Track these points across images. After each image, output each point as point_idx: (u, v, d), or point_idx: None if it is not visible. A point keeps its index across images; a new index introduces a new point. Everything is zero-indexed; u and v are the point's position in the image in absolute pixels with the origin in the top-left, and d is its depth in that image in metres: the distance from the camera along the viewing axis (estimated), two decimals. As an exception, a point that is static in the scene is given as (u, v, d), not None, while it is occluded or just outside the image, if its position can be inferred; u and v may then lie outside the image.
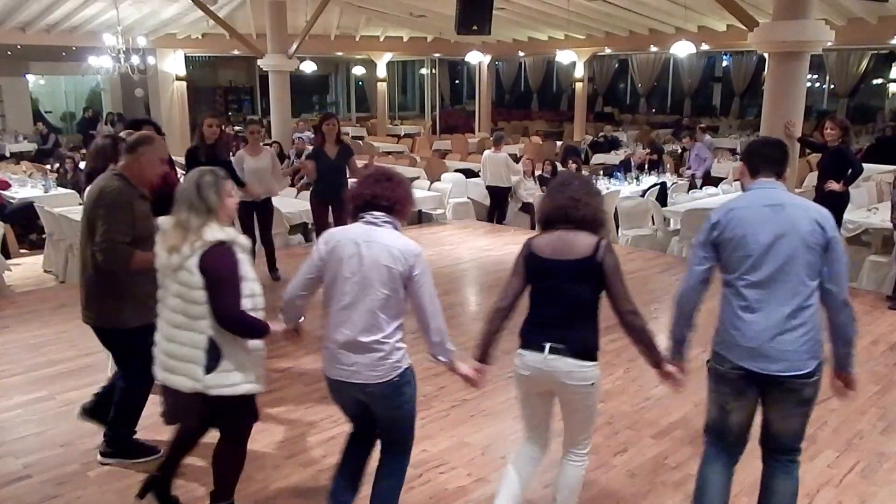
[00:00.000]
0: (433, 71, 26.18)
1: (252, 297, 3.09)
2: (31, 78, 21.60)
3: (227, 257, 3.00)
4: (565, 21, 15.55)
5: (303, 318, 3.28)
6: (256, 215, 7.41)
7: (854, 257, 7.79)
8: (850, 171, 7.49)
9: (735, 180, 12.43)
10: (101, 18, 15.93)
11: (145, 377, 3.93)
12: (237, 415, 3.22)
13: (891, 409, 4.72)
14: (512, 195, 11.13)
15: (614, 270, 2.98)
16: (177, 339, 3.08)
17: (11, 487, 3.81)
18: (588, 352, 3.05)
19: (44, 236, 9.21)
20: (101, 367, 5.28)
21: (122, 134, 4.82)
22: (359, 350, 2.98)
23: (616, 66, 25.99)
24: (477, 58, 18.43)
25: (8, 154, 17.76)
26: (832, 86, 21.60)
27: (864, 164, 8.97)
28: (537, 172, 11.25)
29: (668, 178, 11.69)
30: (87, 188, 3.89)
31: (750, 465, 4.02)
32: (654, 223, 9.96)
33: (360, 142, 19.29)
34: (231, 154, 8.03)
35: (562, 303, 3.03)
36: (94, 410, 4.16)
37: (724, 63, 24.53)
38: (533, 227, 10.79)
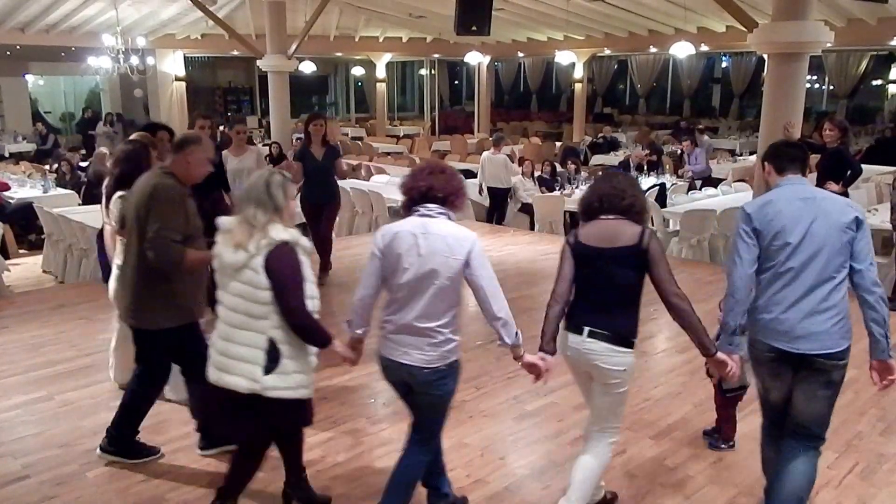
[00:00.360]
0: (432, 71, 26.20)
1: (312, 298, 3.10)
2: (30, 78, 21.61)
3: (291, 257, 3.02)
4: (564, 22, 15.56)
5: (367, 330, 3.28)
6: None
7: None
8: (849, 172, 7.49)
9: (735, 181, 12.46)
10: (101, 19, 15.92)
11: (159, 382, 4.00)
12: (290, 419, 3.22)
13: (890, 411, 4.72)
14: (511, 196, 11.14)
15: (660, 256, 3.12)
16: (235, 338, 3.06)
17: (10, 488, 3.81)
18: (624, 338, 3.17)
19: (43, 237, 9.20)
20: (100, 368, 5.28)
21: (134, 136, 4.74)
22: (414, 334, 3.08)
23: (615, 66, 25.98)
24: (476, 58, 18.43)
25: (7, 154, 17.77)
26: (831, 87, 21.61)
27: (864, 166, 8.98)
28: (536, 173, 11.26)
29: (668, 179, 11.68)
30: (135, 186, 3.77)
31: (749, 466, 4.03)
32: (653, 224, 9.95)
33: (359, 142, 19.31)
34: None
35: (605, 289, 3.17)
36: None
37: (724, 64, 24.53)
38: (532, 228, 10.80)
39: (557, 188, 10.86)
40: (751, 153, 14.62)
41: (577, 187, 10.95)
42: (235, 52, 19.73)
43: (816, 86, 22.54)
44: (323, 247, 7.48)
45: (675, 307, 3.11)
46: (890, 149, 15.68)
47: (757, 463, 3.72)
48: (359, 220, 11.03)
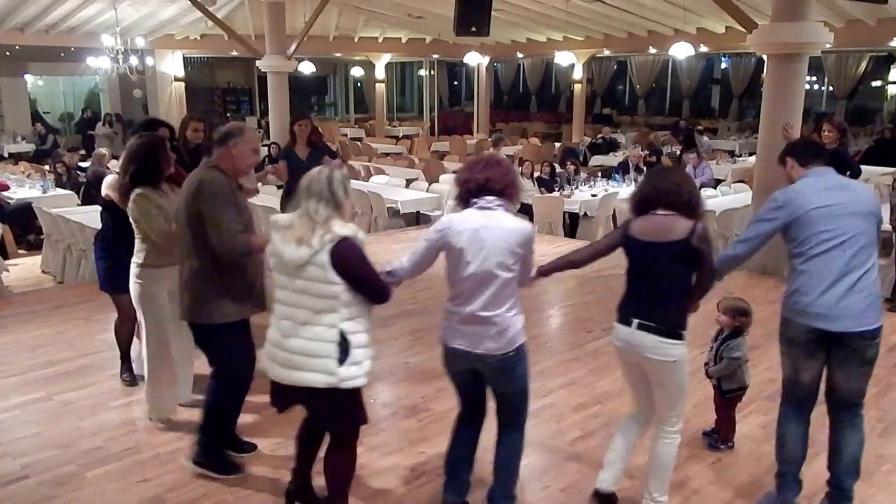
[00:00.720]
0: (432, 72, 26.20)
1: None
2: (29, 78, 21.60)
3: (357, 249, 3.04)
4: (564, 22, 15.57)
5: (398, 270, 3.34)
6: None
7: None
8: (848, 173, 7.48)
9: (734, 182, 12.46)
10: (100, 19, 15.92)
11: (241, 376, 3.83)
12: (356, 407, 3.21)
13: (890, 412, 4.72)
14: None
15: (709, 252, 3.24)
16: (304, 334, 3.05)
17: (9, 488, 3.80)
18: (673, 330, 3.24)
19: (42, 237, 9.19)
20: (99, 368, 5.28)
21: (142, 135, 4.49)
22: (482, 323, 3.14)
23: (615, 67, 25.98)
24: (475, 59, 18.43)
25: (6, 155, 17.76)
26: (831, 88, 21.60)
27: (863, 166, 8.96)
28: (535, 174, 11.25)
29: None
30: (186, 183, 3.71)
31: (748, 467, 4.03)
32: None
33: (358, 143, 19.31)
34: None
35: (655, 282, 3.27)
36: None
37: (723, 65, 24.54)
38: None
39: (556, 189, 10.86)
40: (750, 154, 14.61)
41: (576, 188, 10.96)
42: (235, 53, 19.72)
43: (816, 87, 22.55)
44: None
45: (694, 295, 3.33)
46: (889, 150, 15.66)
47: (756, 464, 3.73)
48: (358, 220, 11.01)
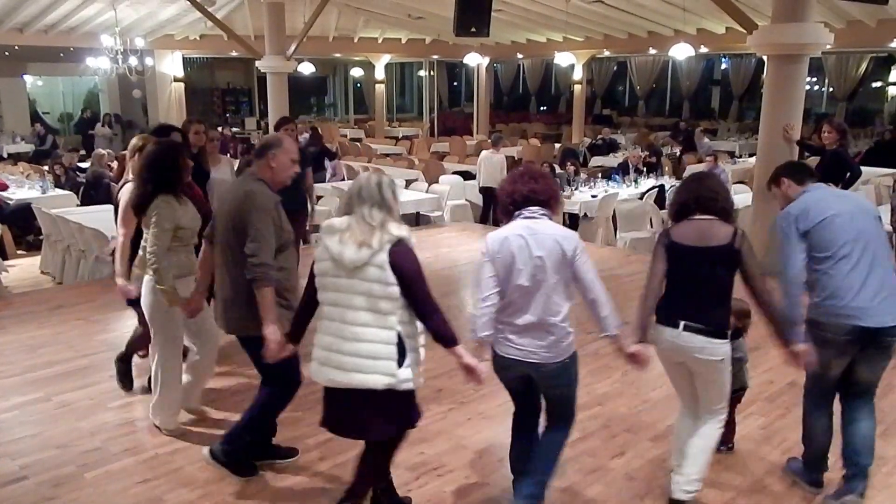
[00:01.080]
0: (431, 73, 26.19)
1: None
2: (28, 79, 21.60)
3: (412, 252, 3.08)
4: (564, 23, 15.56)
5: (492, 335, 3.31)
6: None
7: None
8: (848, 174, 7.49)
9: (734, 183, 12.45)
10: (99, 19, 15.90)
11: (294, 384, 3.78)
12: (410, 408, 3.25)
13: (889, 414, 4.71)
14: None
15: (751, 255, 3.34)
16: (364, 337, 3.05)
17: (8, 489, 3.80)
18: (718, 330, 3.37)
19: (41, 237, 9.19)
20: (98, 368, 5.27)
21: (159, 141, 4.42)
22: (536, 332, 3.23)
23: (615, 68, 26.00)
24: (475, 60, 18.42)
25: (5, 155, 17.75)
26: (831, 89, 21.62)
27: (863, 168, 8.97)
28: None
29: (667, 181, 11.68)
30: (224, 193, 3.65)
31: (748, 468, 4.02)
32: (652, 226, 9.96)
33: (358, 144, 19.30)
34: (228, 153, 7.89)
35: (699, 285, 3.38)
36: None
37: (723, 66, 24.56)
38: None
39: (556, 189, 10.83)
40: (750, 155, 14.59)
41: (576, 189, 10.95)
42: (234, 53, 19.72)
43: (816, 88, 22.56)
44: None
45: (763, 303, 3.36)
46: (889, 151, 15.67)
47: (756, 464, 3.73)
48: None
